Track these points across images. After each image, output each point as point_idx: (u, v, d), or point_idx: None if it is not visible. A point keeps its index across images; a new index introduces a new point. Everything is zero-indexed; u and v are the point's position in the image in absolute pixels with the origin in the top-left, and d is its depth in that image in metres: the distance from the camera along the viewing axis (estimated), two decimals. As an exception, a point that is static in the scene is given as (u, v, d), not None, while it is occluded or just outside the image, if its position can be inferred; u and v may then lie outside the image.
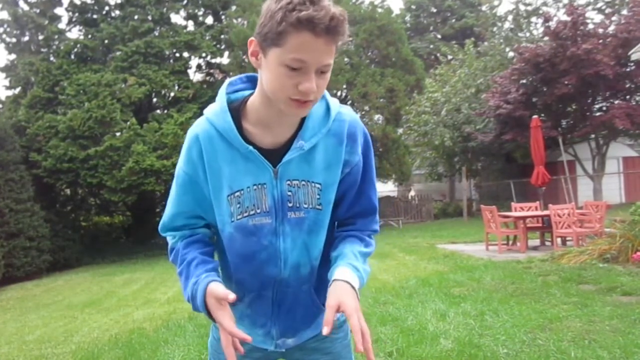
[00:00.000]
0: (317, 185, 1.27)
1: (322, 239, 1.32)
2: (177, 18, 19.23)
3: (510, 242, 9.48)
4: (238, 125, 1.23)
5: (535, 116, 11.32)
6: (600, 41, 14.19)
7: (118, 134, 16.14)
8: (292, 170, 1.24)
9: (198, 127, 1.27)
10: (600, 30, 14.79)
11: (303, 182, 1.26)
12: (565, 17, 15.00)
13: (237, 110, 1.24)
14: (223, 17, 19.49)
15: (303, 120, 1.24)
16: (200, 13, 19.76)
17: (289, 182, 1.25)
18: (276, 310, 1.36)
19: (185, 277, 1.26)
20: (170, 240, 1.37)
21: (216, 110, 1.25)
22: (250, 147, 1.21)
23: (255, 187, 1.25)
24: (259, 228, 1.27)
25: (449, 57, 22.49)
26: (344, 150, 1.27)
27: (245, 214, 1.26)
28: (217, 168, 1.24)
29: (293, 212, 1.27)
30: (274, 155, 1.23)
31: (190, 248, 1.30)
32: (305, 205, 1.27)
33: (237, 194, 1.25)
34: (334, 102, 1.29)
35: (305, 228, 1.29)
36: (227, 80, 1.32)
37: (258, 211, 1.26)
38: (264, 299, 1.35)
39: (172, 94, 18.15)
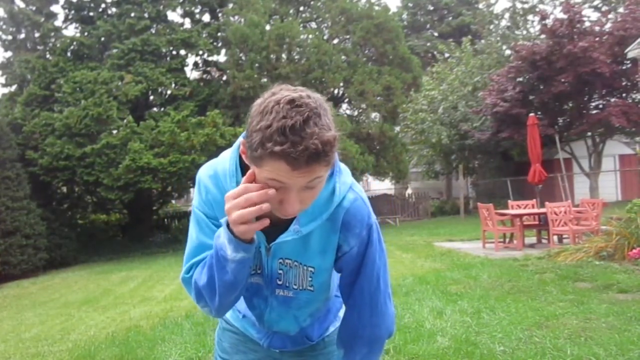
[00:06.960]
0: (310, 269, 1.23)
1: (314, 308, 1.33)
2: (173, 16, 19.26)
3: (507, 240, 9.51)
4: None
5: (532, 114, 11.36)
6: (597, 39, 14.22)
7: (115, 131, 16.07)
8: (285, 250, 1.20)
9: (209, 180, 1.21)
10: (597, 28, 14.84)
11: (295, 263, 1.22)
12: (561, 15, 15.03)
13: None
14: (220, 14, 19.44)
15: None
16: (197, 11, 19.69)
17: (281, 260, 1.22)
18: (270, 334, 1.40)
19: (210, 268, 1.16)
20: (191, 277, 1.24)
21: (226, 171, 1.18)
22: None
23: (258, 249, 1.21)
24: (255, 288, 1.27)
25: (446, 55, 22.51)
26: (338, 237, 1.21)
27: None
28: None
29: (281, 290, 1.26)
30: (275, 229, 1.15)
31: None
32: (295, 287, 1.25)
33: None
34: (341, 186, 1.17)
35: (293, 306, 1.28)
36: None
37: (259, 272, 1.25)
38: (257, 326, 1.41)
39: (168, 92, 18.09)
